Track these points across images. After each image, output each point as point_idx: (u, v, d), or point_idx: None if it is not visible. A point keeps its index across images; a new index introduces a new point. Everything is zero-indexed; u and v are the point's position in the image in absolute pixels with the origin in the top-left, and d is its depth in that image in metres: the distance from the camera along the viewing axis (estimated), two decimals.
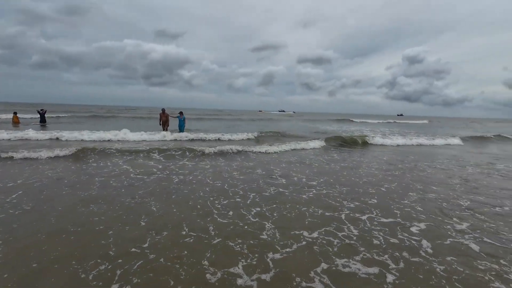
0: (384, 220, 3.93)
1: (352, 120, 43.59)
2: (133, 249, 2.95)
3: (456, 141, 14.57)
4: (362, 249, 3.10)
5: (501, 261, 2.89)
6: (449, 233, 3.55)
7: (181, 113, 15.03)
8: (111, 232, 3.33)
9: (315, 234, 3.40)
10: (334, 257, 2.91)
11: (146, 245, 3.05)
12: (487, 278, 2.59)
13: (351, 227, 3.65)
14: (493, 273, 2.68)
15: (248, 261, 2.79)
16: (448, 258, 2.94)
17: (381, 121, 48.84)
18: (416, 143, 13.53)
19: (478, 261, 2.89)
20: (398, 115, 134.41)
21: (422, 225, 3.76)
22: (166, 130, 14.24)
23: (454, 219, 4.01)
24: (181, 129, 14.70)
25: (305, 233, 3.42)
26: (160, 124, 14.63)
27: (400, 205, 4.54)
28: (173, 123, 15.57)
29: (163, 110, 14.69)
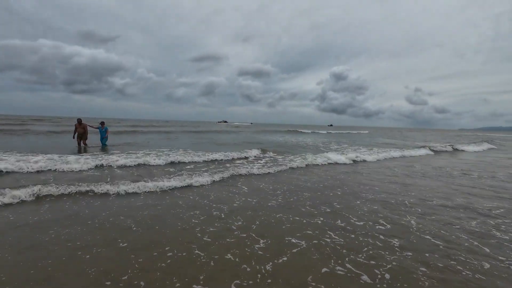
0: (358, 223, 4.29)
1: (301, 131, 45.93)
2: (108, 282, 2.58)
3: (426, 151, 15.88)
4: (351, 252, 3.27)
5: (463, 254, 3.38)
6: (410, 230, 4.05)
7: (102, 123, 13.10)
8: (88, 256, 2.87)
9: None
10: (333, 262, 3.00)
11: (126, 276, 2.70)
12: (462, 269, 3.00)
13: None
14: (464, 265, 3.11)
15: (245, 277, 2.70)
16: (427, 255, 3.29)
17: (331, 131, 52.37)
18: (398, 155, 13.82)
19: (448, 254, 3.31)
20: (328, 125, 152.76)
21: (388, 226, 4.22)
22: (85, 144, 12.46)
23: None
24: (102, 141, 13.07)
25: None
26: (74, 138, 12.50)
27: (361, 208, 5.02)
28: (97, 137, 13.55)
29: (79, 120, 12.40)
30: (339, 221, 4.35)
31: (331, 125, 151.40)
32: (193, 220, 4.20)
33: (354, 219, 4.48)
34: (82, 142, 12.50)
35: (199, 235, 3.67)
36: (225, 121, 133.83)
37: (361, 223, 4.32)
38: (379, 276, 2.82)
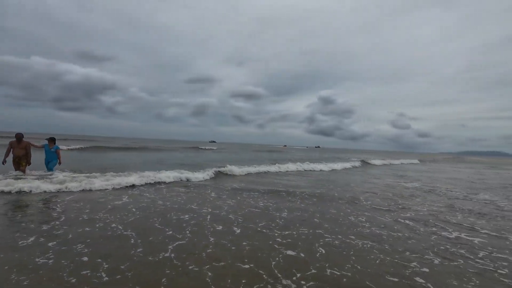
0: None
1: (372, 164, 34.36)
2: None
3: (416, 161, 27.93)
4: None
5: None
6: None
7: (51, 140, 8.49)
8: None
9: None
10: None
11: None
12: None
13: None
14: None
15: None
16: None
17: (411, 161, 42.00)
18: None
19: None
20: (316, 146, 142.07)
21: None
22: (24, 170, 7.85)
23: None
24: (48, 166, 8.50)
25: None
26: (4, 162, 7.76)
27: None
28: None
29: (19, 136, 7.86)
30: None
31: (318, 147, 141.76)
32: None
33: None
34: (22, 167, 7.89)
35: None
36: (214, 141, 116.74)
37: None
38: None
